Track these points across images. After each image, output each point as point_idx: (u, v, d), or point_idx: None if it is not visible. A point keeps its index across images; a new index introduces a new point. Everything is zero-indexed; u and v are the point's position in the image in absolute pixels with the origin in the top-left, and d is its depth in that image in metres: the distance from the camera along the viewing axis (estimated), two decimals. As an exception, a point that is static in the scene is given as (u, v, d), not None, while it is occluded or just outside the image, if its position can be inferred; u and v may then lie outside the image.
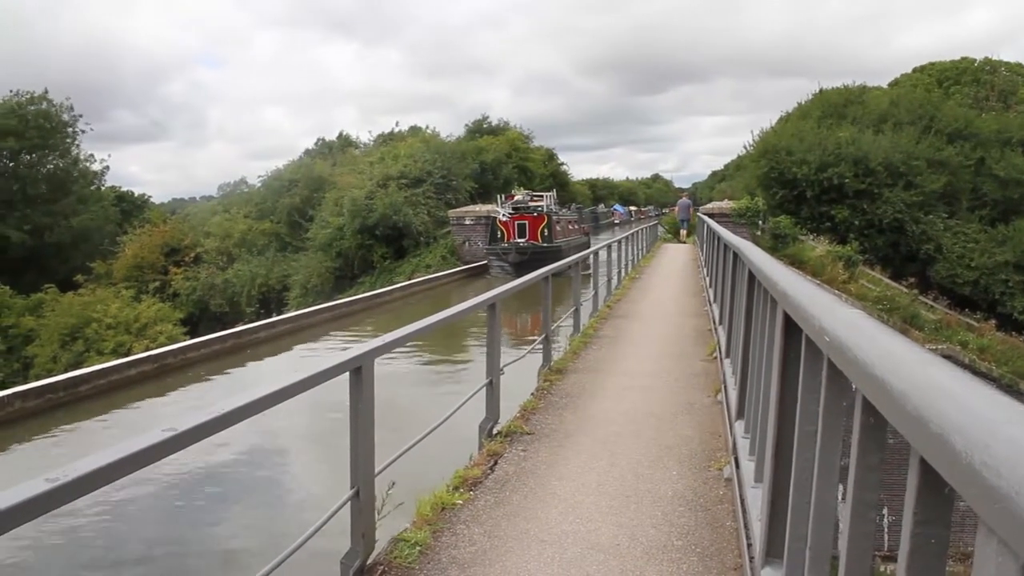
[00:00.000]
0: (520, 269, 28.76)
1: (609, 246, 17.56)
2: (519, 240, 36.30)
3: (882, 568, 11.69)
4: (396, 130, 61.61)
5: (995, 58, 54.72)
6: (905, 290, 28.17)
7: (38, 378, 19.65)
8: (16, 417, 13.59)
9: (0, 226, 46.00)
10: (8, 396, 13.84)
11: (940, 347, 20.13)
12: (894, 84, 54.06)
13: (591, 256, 15.68)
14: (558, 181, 69.78)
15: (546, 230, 36.47)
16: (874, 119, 37.28)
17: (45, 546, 8.93)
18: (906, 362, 1.31)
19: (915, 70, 58.56)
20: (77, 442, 12.82)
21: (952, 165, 34.34)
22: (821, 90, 44.69)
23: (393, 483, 4.59)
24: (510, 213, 37.37)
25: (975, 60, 55.69)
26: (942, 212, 33.72)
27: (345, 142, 65.29)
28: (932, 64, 57.86)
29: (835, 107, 40.47)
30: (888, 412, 1.30)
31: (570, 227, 42.02)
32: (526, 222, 36.76)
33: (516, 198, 39.83)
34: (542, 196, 41.17)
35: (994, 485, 0.85)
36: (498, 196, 40.94)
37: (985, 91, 49.36)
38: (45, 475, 1.98)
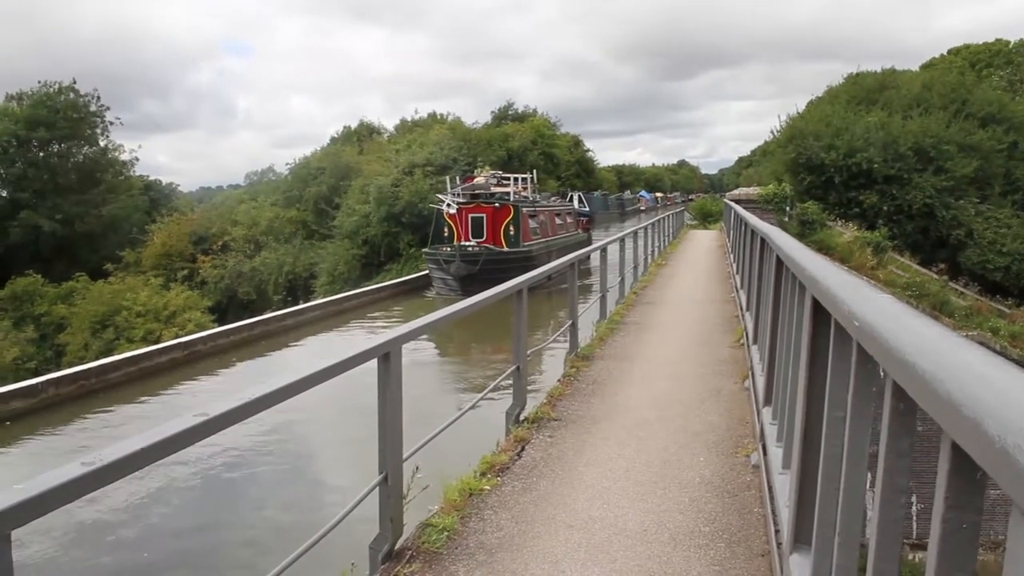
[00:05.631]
0: (468, 285, 22.26)
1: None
2: (469, 243, 26.89)
3: (911, 556, 11.62)
4: (416, 117, 61.66)
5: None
6: (935, 276, 27.83)
7: (70, 365, 19.94)
8: (50, 403, 13.82)
9: (32, 216, 46.67)
10: (42, 383, 14.08)
11: (971, 333, 19.90)
12: (927, 67, 53.29)
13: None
14: (584, 168, 69.60)
15: (512, 228, 27.24)
16: (905, 103, 36.74)
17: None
18: (937, 347, 1.30)
19: (949, 52, 57.70)
20: (109, 427, 13.01)
21: (984, 149, 33.78)
22: (851, 74, 44.16)
23: (417, 468, 4.60)
24: (460, 203, 27.82)
25: (1010, 42, 54.75)
26: (973, 197, 33.21)
27: (367, 130, 65.51)
28: (966, 46, 56.99)
29: (866, 91, 39.93)
30: (919, 397, 1.29)
31: (556, 222, 33.21)
32: (483, 216, 27.33)
33: (476, 181, 30.59)
34: (510, 179, 32.12)
35: (1028, 469, 0.84)
36: (449, 179, 31.79)
37: (1020, 74, 48.49)
38: (81, 459, 2.02)
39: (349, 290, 29.60)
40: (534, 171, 36.87)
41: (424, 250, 28.60)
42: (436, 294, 26.70)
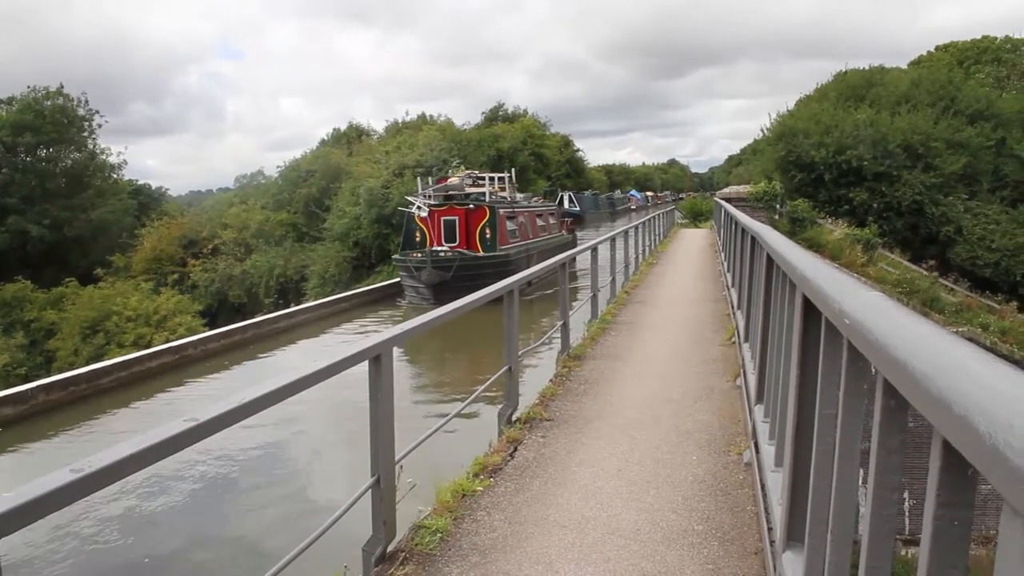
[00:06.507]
0: (441, 293, 21.65)
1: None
2: (441, 248, 25.04)
3: (903, 552, 11.66)
4: (407, 119, 61.61)
5: (1016, 36, 54.01)
6: (925, 273, 27.97)
7: (60, 371, 19.86)
8: (40, 410, 13.76)
9: (20, 221, 46.43)
10: (32, 389, 14.03)
11: (961, 330, 20.00)
12: (915, 64, 53.52)
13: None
14: (574, 167, 69.66)
15: (488, 230, 25.49)
16: (893, 100, 36.91)
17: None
18: (928, 343, 1.30)
19: (936, 49, 57.95)
20: (100, 433, 12.97)
21: (972, 146, 34.00)
22: (840, 72, 44.33)
23: (401, 467, 4.54)
24: (432, 205, 25.86)
25: (996, 39, 55.01)
26: (962, 193, 33.41)
27: (356, 132, 65.44)
28: (953, 43, 57.24)
29: (854, 89, 40.10)
30: (910, 394, 1.29)
31: (537, 223, 31.23)
32: (456, 218, 25.59)
33: (450, 181, 28.66)
34: (485, 179, 30.10)
35: (1019, 466, 0.84)
36: (420, 180, 29.25)
37: (1006, 70, 48.75)
38: (70, 465, 2.01)
39: (340, 292, 29.56)
40: (513, 170, 34.63)
41: (394, 256, 26.79)
42: (408, 303, 25.22)
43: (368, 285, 31.05)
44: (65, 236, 48.25)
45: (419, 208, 25.66)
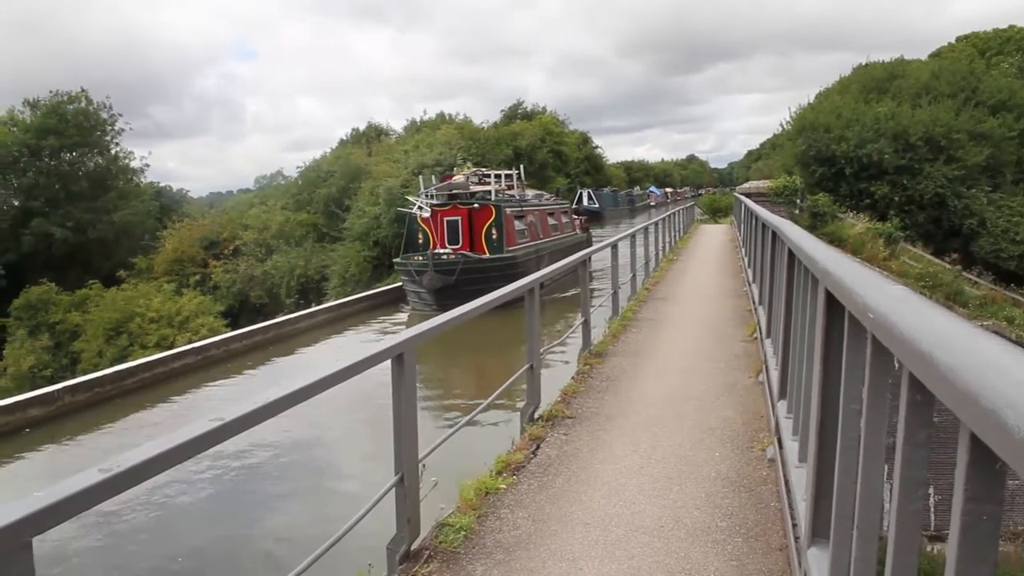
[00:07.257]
0: (444, 299, 20.36)
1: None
2: (444, 250, 23.71)
3: (929, 548, 11.57)
4: (425, 118, 61.67)
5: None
6: (948, 266, 27.68)
7: (85, 373, 20.05)
8: (67, 411, 13.91)
9: (44, 223, 46.90)
10: (58, 391, 14.19)
11: (986, 323, 19.79)
12: (935, 55, 52.94)
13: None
14: (593, 164, 69.58)
15: (494, 231, 24.08)
16: (914, 92, 36.52)
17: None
18: (954, 337, 1.29)
19: (957, 40, 57.33)
20: (126, 433, 13.09)
21: (995, 137, 33.59)
22: (860, 65, 43.94)
23: (423, 465, 4.50)
24: (434, 205, 24.60)
25: (1021, 28, 54.31)
26: (985, 186, 33.01)
27: (375, 131, 65.56)
28: (974, 34, 56.59)
29: (876, 82, 39.72)
30: (936, 388, 1.28)
31: (548, 223, 29.67)
32: (458, 218, 24.26)
33: (455, 179, 27.34)
34: (492, 176, 28.71)
35: (1048, 459, 0.84)
36: (423, 178, 27.63)
37: (1030, 60, 48.16)
38: (99, 466, 2.03)
39: (361, 292, 29.67)
40: (521, 166, 33.42)
41: (395, 260, 25.32)
42: (412, 310, 23.99)
43: (387, 285, 31.14)
44: (88, 238, 48.68)
45: (420, 208, 24.54)
